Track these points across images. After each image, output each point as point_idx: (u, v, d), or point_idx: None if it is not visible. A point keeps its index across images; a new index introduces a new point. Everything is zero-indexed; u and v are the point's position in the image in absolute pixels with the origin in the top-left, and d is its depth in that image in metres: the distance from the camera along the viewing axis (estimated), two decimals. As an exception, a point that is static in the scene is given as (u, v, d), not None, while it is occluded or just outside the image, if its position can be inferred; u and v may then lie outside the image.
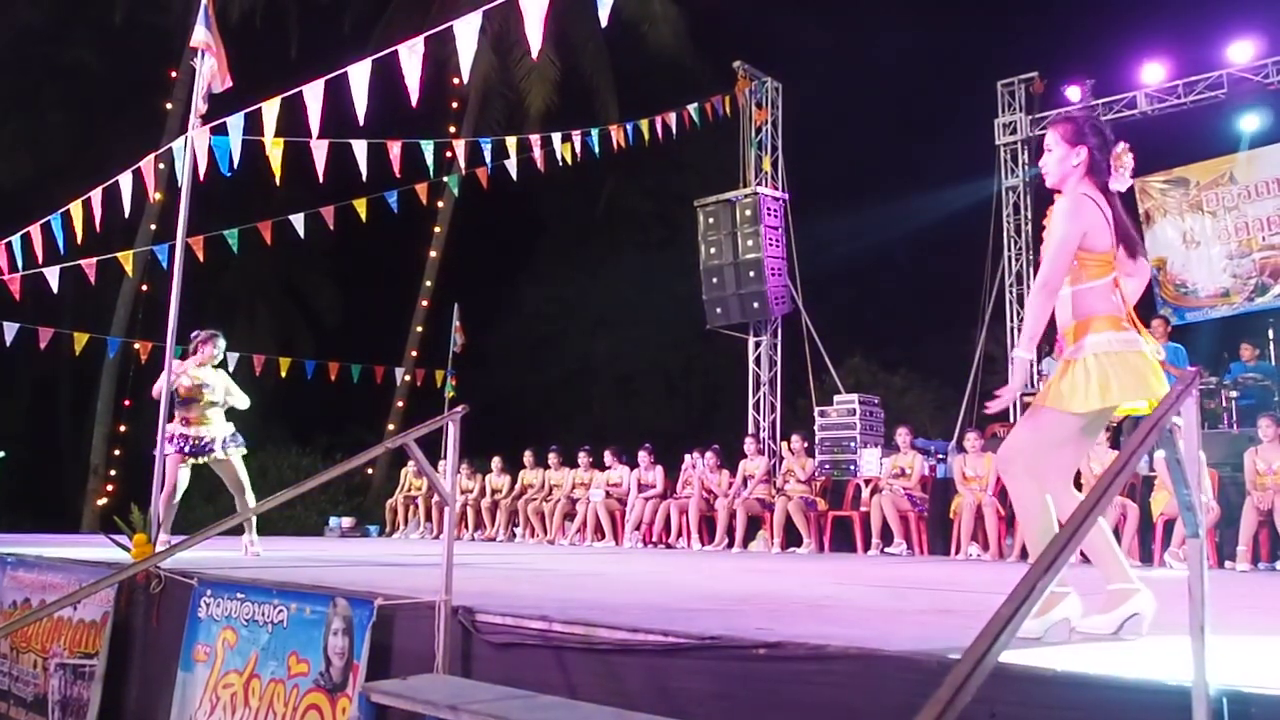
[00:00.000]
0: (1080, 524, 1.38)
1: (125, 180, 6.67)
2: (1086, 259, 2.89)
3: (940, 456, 9.85)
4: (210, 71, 5.41)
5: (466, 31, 4.71)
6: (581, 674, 2.98)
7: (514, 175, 10.17)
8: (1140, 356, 2.82)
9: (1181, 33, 12.81)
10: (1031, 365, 3.05)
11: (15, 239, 8.05)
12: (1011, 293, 12.83)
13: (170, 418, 6.71)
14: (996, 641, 1.22)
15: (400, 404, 17.74)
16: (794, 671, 2.51)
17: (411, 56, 5.03)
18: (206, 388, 6.91)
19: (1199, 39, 12.02)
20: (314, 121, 5.65)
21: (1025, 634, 2.63)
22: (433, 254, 18.40)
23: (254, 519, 6.77)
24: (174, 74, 16.67)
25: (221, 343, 7.14)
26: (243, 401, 7.15)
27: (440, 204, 17.61)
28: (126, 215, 7.33)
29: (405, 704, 3.06)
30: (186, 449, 6.78)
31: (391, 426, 17.58)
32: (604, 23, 4.15)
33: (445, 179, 11.99)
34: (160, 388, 6.18)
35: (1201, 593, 1.90)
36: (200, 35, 5.42)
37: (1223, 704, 1.83)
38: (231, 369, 12.47)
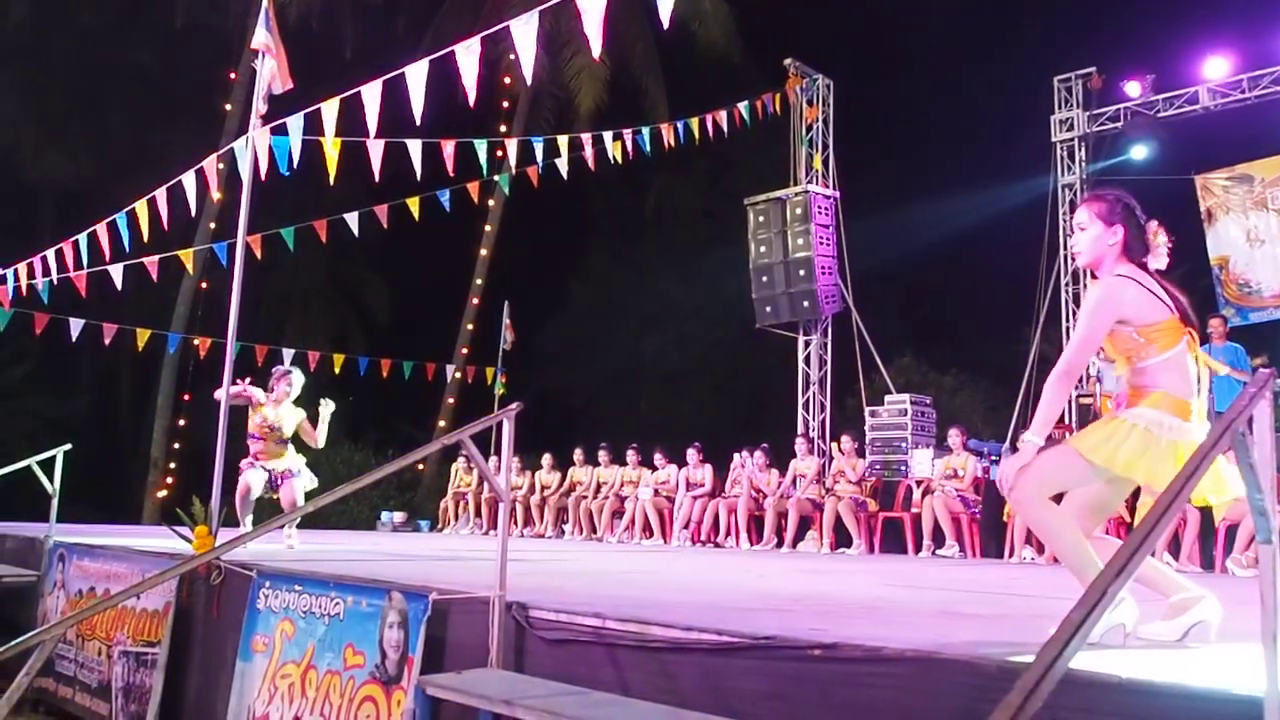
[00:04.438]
0: (1155, 524, 1.36)
1: (189, 180, 6.82)
2: (1149, 332, 2.78)
3: (994, 458, 9.71)
4: (271, 73, 5.50)
5: (524, 32, 4.73)
6: (634, 672, 2.98)
7: (564, 174, 10.22)
8: (1185, 453, 2.62)
9: (1245, 25, 12.46)
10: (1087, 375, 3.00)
11: (82, 237, 8.27)
12: (1067, 292, 12.60)
13: (245, 449, 6.91)
14: (1068, 647, 1.20)
15: (451, 401, 17.92)
16: (850, 673, 2.49)
17: (468, 57, 5.07)
18: (277, 429, 7.04)
19: (1264, 31, 11.67)
20: (371, 121, 5.73)
21: None
22: (483, 252, 18.56)
23: (293, 526, 6.94)
24: (233, 75, 16.99)
25: (297, 378, 7.23)
26: (320, 441, 7.28)
27: (491, 202, 17.75)
28: (193, 214, 7.49)
29: (461, 698, 3.10)
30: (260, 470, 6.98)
31: (442, 423, 17.77)
32: (665, 25, 4.14)
33: (496, 178, 12.07)
34: (222, 394, 6.32)
35: (1274, 600, 1.85)
36: (261, 37, 5.52)
37: (1296, 715, 1.79)
38: (288, 364, 12.71)
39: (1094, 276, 2.98)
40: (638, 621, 3.01)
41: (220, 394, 6.31)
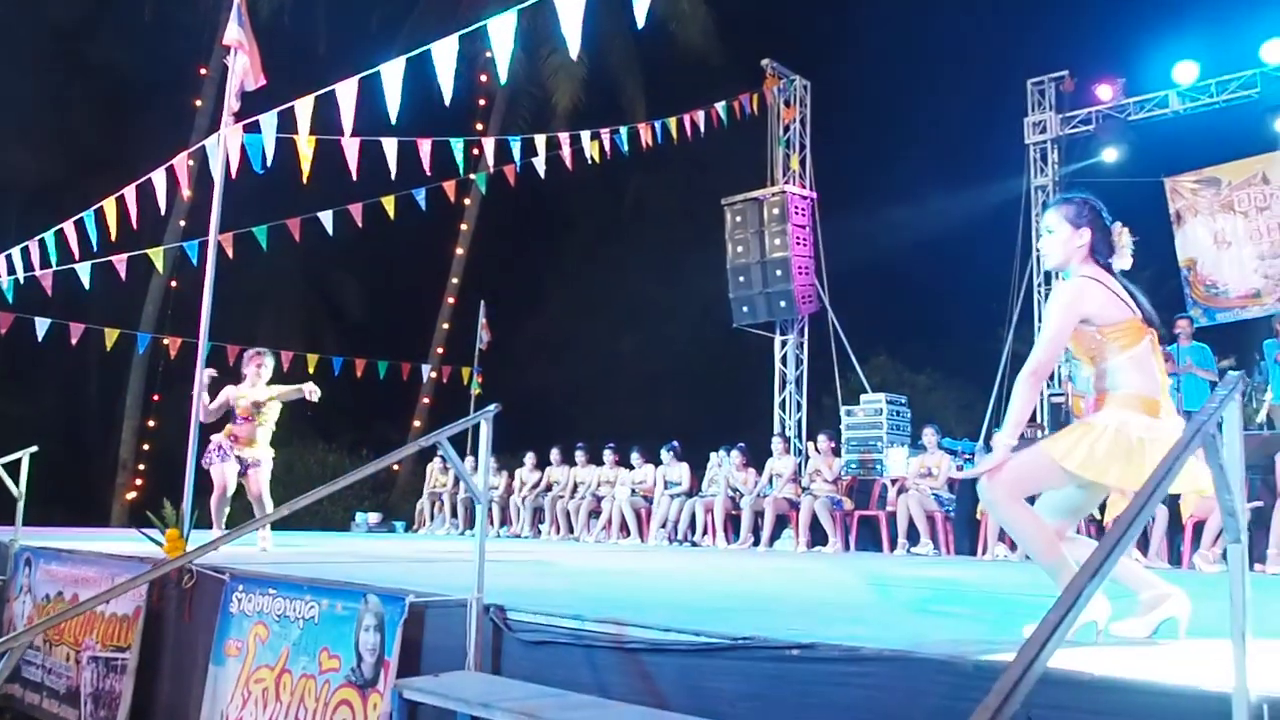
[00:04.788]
0: (1130, 523, 1.37)
1: (159, 178, 6.74)
2: (1109, 331, 2.83)
3: (967, 456, 9.79)
4: (243, 69, 5.45)
5: (503, 32, 4.71)
6: (612, 673, 2.98)
7: (542, 174, 10.19)
8: (1158, 449, 2.66)
9: (1214, 31, 12.64)
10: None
11: (49, 235, 8.15)
12: (1040, 293, 12.72)
13: (218, 427, 6.80)
14: (1045, 648, 1.21)
15: (426, 401, 17.84)
16: (827, 673, 2.50)
17: (446, 55, 5.04)
18: (263, 406, 6.94)
19: (1232, 37, 11.86)
20: (347, 119, 5.68)
21: None
22: (459, 251, 18.47)
23: (265, 524, 6.82)
24: (204, 71, 16.82)
25: (269, 359, 7.12)
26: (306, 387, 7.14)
27: (467, 201, 17.68)
28: (162, 213, 7.39)
29: (438, 701, 3.08)
30: (231, 459, 6.85)
31: (418, 423, 17.68)
32: (640, 23, 4.14)
33: (472, 176, 12.02)
34: (198, 397, 6.21)
35: (1243, 598, 1.88)
36: (233, 33, 5.46)
37: (1264, 711, 1.81)
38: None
39: (1060, 278, 3.03)
40: (616, 623, 3.01)
41: (195, 410, 6.20)
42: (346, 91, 5.53)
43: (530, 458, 12.28)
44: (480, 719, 2.95)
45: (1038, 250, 3.14)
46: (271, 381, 7.16)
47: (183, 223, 15.82)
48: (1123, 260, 2.94)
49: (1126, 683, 2.04)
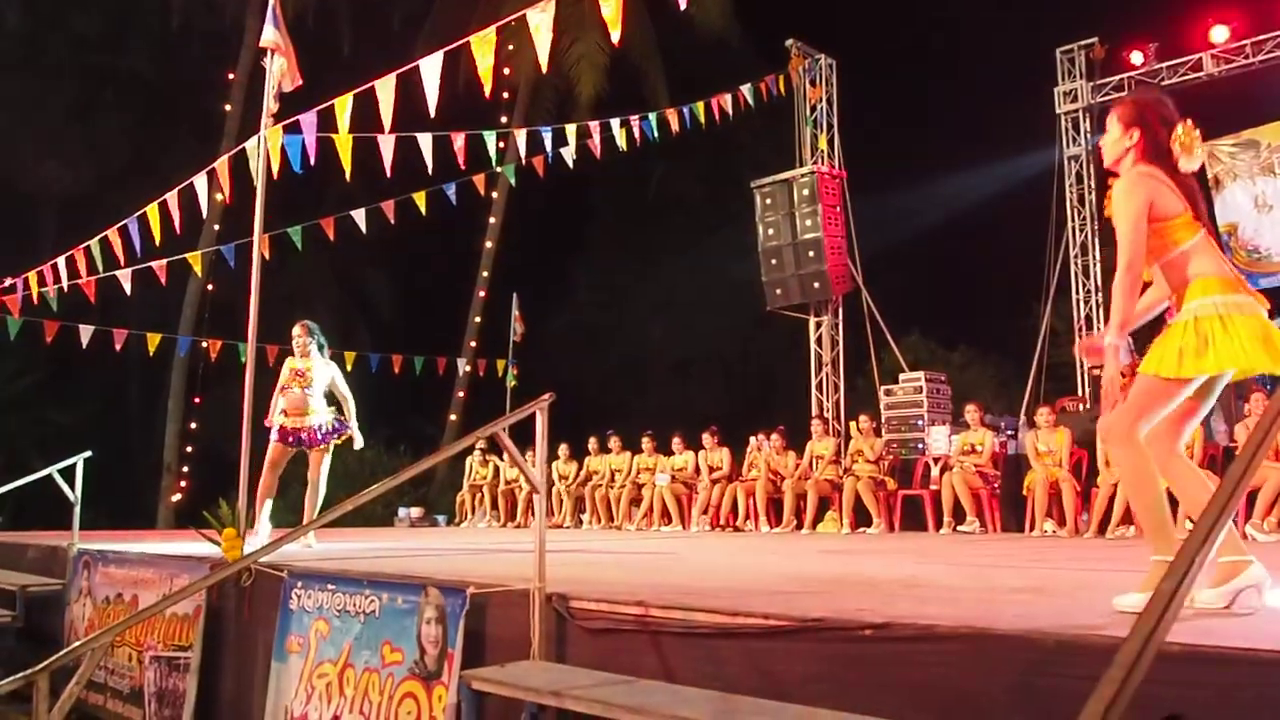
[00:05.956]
0: (1234, 490, 1.34)
1: (200, 182, 6.79)
2: (1164, 227, 2.85)
3: (1011, 432, 9.70)
4: (280, 71, 5.47)
5: (542, 21, 4.70)
6: (679, 658, 2.98)
7: (570, 164, 10.18)
8: (1252, 321, 2.73)
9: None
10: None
11: (94, 243, 8.24)
12: (1076, 264, 12.56)
13: (265, 412, 6.82)
14: (1164, 618, 1.18)
15: (461, 394, 17.91)
16: (902, 652, 2.49)
17: (484, 48, 5.04)
18: (306, 375, 6.86)
19: (1265, -5, 11.60)
20: (386, 116, 5.69)
21: (1132, 608, 2.59)
22: (488, 244, 18.52)
23: (313, 513, 6.75)
24: (232, 76, 16.93)
25: (298, 330, 7.02)
26: (347, 401, 7.12)
27: (495, 194, 17.71)
28: (204, 216, 7.46)
29: (507, 691, 3.09)
30: (288, 440, 6.78)
31: (453, 417, 17.75)
32: (683, 4, 4.11)
33: (500, 169, 12.02)
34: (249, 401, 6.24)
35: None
36: (270, 36, 5.48)
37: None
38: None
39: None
40: (682, 608, 3.00)
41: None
42: (385, 88, 5.54)
43: (563, 450, 12.28)
44: (548, 707, 2.97)
45: (1104, 216, 3.13)
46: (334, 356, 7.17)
47: (217, 226, 15.95)
48: (1189, 162, 2.93)
49: (1215, 652, 2.01)
